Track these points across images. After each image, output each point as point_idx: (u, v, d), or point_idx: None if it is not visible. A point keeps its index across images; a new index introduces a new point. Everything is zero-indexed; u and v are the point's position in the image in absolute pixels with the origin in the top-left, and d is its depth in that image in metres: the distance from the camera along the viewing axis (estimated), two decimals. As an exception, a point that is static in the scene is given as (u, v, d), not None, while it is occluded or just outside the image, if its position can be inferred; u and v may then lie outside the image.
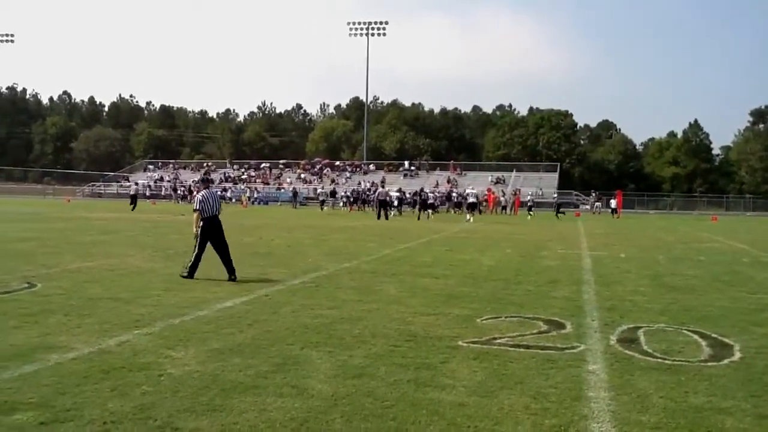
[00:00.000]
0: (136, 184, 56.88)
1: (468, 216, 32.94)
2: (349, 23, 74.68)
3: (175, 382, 4.72)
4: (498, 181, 66.24)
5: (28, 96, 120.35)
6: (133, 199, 39.13)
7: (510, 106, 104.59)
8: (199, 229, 10.17)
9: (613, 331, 6.74)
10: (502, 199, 50.20)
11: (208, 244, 10.19)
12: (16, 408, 4.11)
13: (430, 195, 44.53)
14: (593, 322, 7.21)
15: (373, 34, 73.82)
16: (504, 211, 48.09)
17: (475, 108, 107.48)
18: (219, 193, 8.26)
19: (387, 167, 74.07)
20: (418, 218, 33.60)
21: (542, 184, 67.04)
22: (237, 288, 9.07)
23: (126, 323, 6.65)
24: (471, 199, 35.34)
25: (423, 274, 11.08)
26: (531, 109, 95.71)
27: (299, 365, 5.27)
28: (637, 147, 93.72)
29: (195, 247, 10.14)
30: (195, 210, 10.41)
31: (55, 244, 14.76)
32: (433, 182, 64.79)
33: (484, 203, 50.50)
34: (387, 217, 32.43)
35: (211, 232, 10.20)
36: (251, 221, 27.67)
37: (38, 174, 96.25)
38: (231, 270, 10.01)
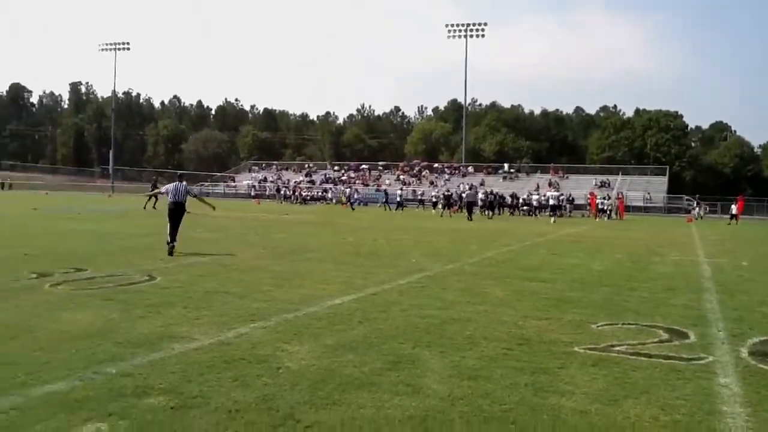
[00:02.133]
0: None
1: (552, 218, 32.68)
2: (447, 25, 74.64)
3: (294, 375, 4.81)
4: (603, 185, 64.05)
5: (141, 100, 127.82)
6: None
7: (615, 107, 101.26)
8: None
9: (744, 343, 6.31)
10: (606, 202, 48.44)
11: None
12: (148, 392, 4.31)
13: (534, 198, 43.51)
14: (719, 333, 6.78)
15: (471, 36, 73.25)
16: (608, 215, 46.42)
17: (578, 109, 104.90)
18: (186, 187, 10.73)
19: (486, 169, 73.31)
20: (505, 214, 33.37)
21: (650, 187, 64.29)
22: (345, 287, 9.18)
23: (242, 316, 6.86)
24: (552, 201, 35.68)
25: (529, 277, 10.83)
26: (637, 111, 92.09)
27: (412, 364, 5.25)
28: (755, 150, 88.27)
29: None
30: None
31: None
32: (533, 185, 63.49)
33: (588, 207, 49.08)
34: (470, 218, 31.96)
35: (174, 212, 13.04)
36: (352, 222, 28.07)
37: (151, 174, 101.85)
38: (173, 240, 12.72)
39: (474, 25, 72.88)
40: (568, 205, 43.35)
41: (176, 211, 13.05)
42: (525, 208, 44.37)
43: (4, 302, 7.20)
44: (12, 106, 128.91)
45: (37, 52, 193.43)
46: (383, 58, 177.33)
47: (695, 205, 53.83)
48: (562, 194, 43.83)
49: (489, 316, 7.38)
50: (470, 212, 32.53)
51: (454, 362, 5.35)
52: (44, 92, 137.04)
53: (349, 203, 48.87)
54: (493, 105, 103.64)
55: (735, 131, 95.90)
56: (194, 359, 5.17)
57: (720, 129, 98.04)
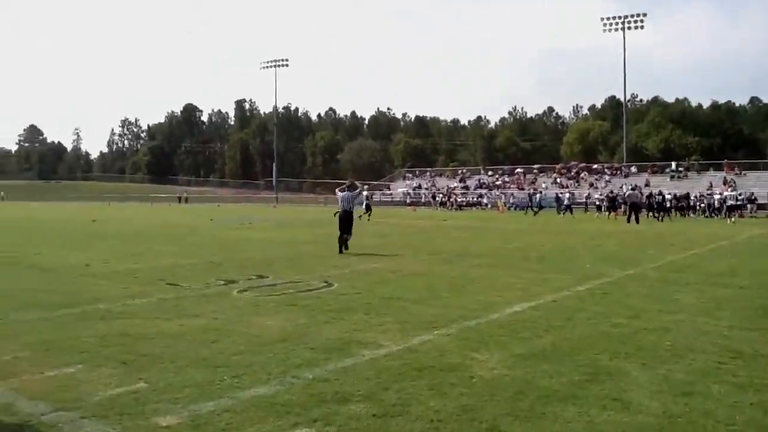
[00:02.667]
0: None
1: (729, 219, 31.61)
2: (603, 19, 71.09)
3: (489, 386, 4.63)
4: (786, 182, 58.16)
5: (300, 114, 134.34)
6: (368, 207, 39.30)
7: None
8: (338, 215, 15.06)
9: None
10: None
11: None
12: (347, 399, 4.32)
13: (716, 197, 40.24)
14: None
15: (629, 28, 69.46)
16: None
17: (754, 99, 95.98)
18: (352, 195, 15.62)
19: (650, 169, 69.11)
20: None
21: None
22: (522, 293, 8.88)
23: (423, 323, 6.80)
24: (730, 201, 33.08)
25: (723, 284, 9.89)
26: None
27: (614, 377, 4.88)
28: None
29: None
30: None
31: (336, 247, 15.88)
32: (705, 184, 58.87)
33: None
34: (638, 221, 29.97)
35: (344, 219, 14.79)
36: (511, 226, 27.52)
37: (310, 184, 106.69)
38: (344, 245, 14.50)
39: (632, 16, 69.12)
40: (749, 205, 39.68)
41: (345, 218, 14.74)
42: (702, 207, 41.18)
43: (202, 307, 7.67)
44: (185, 125, 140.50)
45: (206, 74, 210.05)
46: (534, 58, 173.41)
47: None
48: (741, 192, 40.17)
49: (687, 325, 6.77)
50: (635, 214, 30.55)
51: (661, 375, 4.91)
52: (213, 110, 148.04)
53: (530, 207, 47.84)
54: (656, 100, 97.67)
55: None
56: (385, 366, 5.14)
57: None
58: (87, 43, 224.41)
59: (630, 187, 39.32)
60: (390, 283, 9.81)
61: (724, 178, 61.71)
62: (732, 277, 10.76)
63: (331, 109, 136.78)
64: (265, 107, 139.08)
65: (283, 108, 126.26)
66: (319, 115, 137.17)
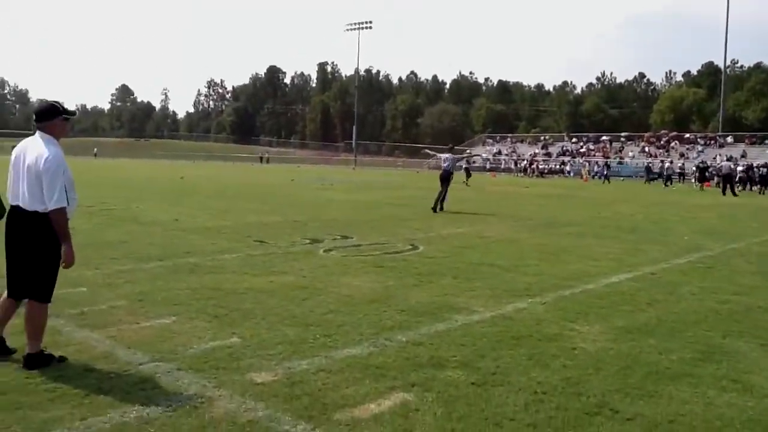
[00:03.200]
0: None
1: None
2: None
3: (593, 359, 4.37)
4: None
5: (381, 77, 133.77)
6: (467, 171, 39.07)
7: None
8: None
9: None
10: None
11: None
12: (443, 364, 4.16)
13: None
14: None
15: (736, -11, 65.04)
16: None
17: None
18: (453, 158, 16.99)
19: (748, 139, 65.33)
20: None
21: None
22: (617, 264, 8.47)
23: (515, 290, 6.55)
24: None
25: (840, 261, 9.16)
26: None
27: (730, 356, 4.52)
28: None
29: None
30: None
31: (421, 211, 15.73)
32: (808, 156, 55.20)
33: None
34: (734, 193, 28.44)
35: (443, 177, 15.79)
36: (598, 196, 26.60)
37: (389, 147, 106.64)
38: (439, 205, 15.49)
39: (738, -24, 64.62)
40: None
41: (444, 177, 15.87)
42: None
43: (290, 265, 7.67)
44: (269, 87, 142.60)
45: (290, 37, 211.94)
46: (625, 19, 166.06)
47: None
48: None
49: (806, 305, 6.26)
50: (729, 186, 28.98)
51: (784, 357, 4.52)
52: (296, 73, 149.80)
53: (599, 176, 46.43)
54: (758, 66, 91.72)
55: None
56: (480, 332, 4.95)
57: None
58: (176, 6, 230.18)
59: (725, 158, 37.22)
60: (477, 248, 9.56)
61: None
62: None
63: (412, 72, 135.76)
64: (346, 70, 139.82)
65: (365, 71, 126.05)
66: (400, 79, 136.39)
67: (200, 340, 4.58)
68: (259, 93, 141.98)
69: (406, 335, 4.82)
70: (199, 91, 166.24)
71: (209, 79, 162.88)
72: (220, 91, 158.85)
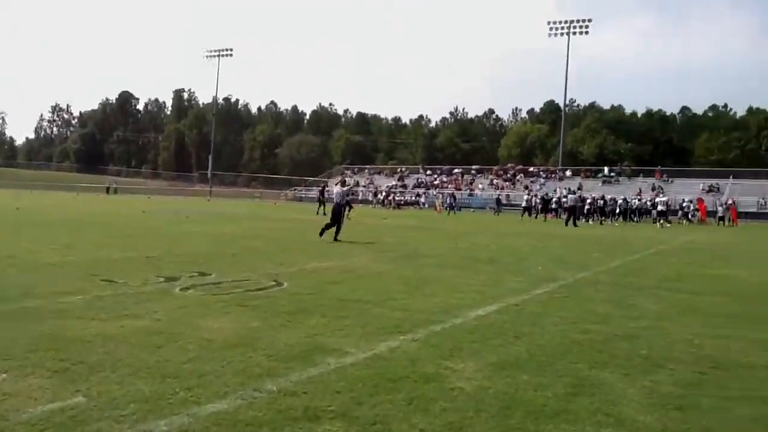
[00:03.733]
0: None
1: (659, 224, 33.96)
2: (550, 22, 72.29)
3: (472, 400, 4.26)
4: (711, 190, 60.54)
5: (240, 106, 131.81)
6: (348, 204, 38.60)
7: (725, 106, 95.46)
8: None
9: None
10: (719, 208, 45.50)
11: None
12: (320, 416, 3.86)
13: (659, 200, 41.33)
14: None
15: (575, 33, 70.81)
16: (720, 221, 43.50)
17: (684, 109, 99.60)
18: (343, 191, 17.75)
19: (584, 173, 70.81)
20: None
21: (766, 192, 60.24)
22: (480, 296, 8.58)
23: (386, 327, 6.39)
24: (660, 207, 35.19)
25: (675, 289, 9.88)
26: (750, 109, 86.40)
27: (599, 389, 4.59)
28: None
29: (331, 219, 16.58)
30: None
31: (283, 244, 15.39)
32: (635, 190, 60.67)
33: (696, 213, 46.45)
34: (575, 224, 30.73)
35: (336, 211, 16.54)
36: (456, 227, 27.44)
37: (246, 178, 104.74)
38: (336, 235, 16.29)
39: (578, 21, 70.47)
40: (680, 211, 41.09)
41: (337, 211, 16.64)
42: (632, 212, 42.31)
43: (143, 307, 7.02)
44: (120, 113, 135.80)
45: (145, 61, 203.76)
46: (477, 60, 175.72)
47: None
48: (679, 200, 41.65)
49: (656, 332, 6.60)
50: (574, 217, 31.22)
51: (647, 387, 4.65)
52: (150, 99, 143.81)
53: (447, 208, 48.07)
54: (593, 105, 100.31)
55: None
56: (355, 376, 4.70)
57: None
58: (17, 23, 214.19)
59: (572, 191, 39.96)
60: (343, 283, 9.35)
61: (653, 184, 63.89)
62: (680, 282, 10.80)
63: (272, 102, 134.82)
64: (204, 98, 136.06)
65: (224, 99, 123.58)
66: (259, 108, 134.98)
67: (37, 401, 3.96)
68: (109, 119, 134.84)
69: (276, 383, 4.47)
70: (41, 116, 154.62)
71: (54, 104, 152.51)
72: (66, 116, 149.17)
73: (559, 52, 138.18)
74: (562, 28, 71.08)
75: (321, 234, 16.42)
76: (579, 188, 58.55)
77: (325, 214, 33.37)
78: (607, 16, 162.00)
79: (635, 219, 41.54)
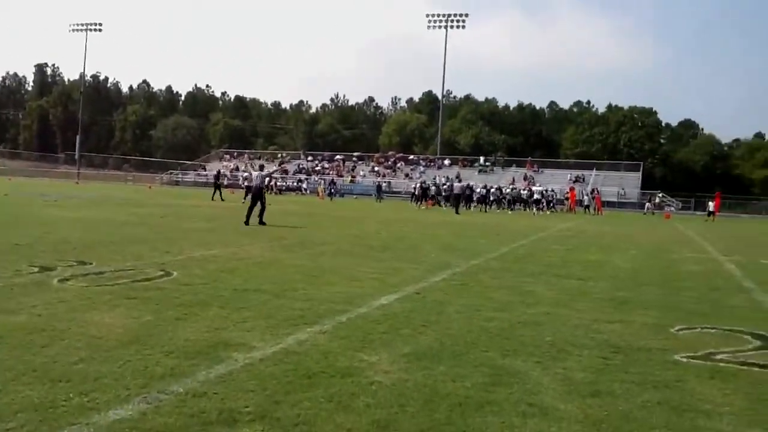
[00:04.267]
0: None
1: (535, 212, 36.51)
2: (428, 15, 73.74)
3: (394, 394, 4.11)
4: (577, 180, 64.31)
5: (109, 84, 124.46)
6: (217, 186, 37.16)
7: (588, 102, 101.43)
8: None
9: None
10: (585, 198, 48.40)
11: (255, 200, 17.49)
12: (237, 419, 3.57)
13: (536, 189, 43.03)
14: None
15: (452, 27, 72.63)
16: (586, 210, 46.28)
17: (552, 104, 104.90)
18: (262, 175, 18.70)
19: (461, 162, 73.02)
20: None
21: (624, 183, 64.84)
22: (380, 284, 8.48)
23: (290, 319, 6.12)
24: (537, 195, 37.25)
25: (563, 275, 10.26)
26: (610, 106, 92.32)
27: (516, 378, 4.59)
28: (725, 147, 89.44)
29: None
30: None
31: (166, 231, 14.61)
32: (509, 179, 63.33)
33: (566, 201, 49.11)
34: (457, 212, 31.80)
35: (255, 194, 17.46)
36: (342, 213, 27.32)
37: (118, 161, 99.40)
38: (261, 220, 17.19)
39: (455, 15, 72.27)
40: (546, 201, 43.20)
41: (257, 194, 17.39)
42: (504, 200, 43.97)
43: (18, 301, 6.32)
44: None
45: (1, 32, 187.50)
46: (358, 47, 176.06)
47: (648, 199, 55.64)
48: (547, 188, 43.72)
49: (555, 318, 6.77)
50: (458, 205, 32.16)
51: (561, 375, 4.71)
52: (7, 73, 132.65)
53: (329, 194, 47.84)
54: (468, 97, 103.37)
55: (703, 129, 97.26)
56: (267, 373, 4.42)
57: (689, 127, 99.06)
58: None
59: (456, 180, 40.95)
60: (238, 272, 8.94)
61: (525, 174, 67.02)
62: (566, 268, 11.24)
63: (144, 81, 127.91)
64: (70, 74, 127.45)
65: (92, 77, 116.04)
66: (131, 87, 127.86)
67: None
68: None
69: (182, 384, 4.11)
70: None
71: None
72: None
73: (437, 43, 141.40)
74: (441, 21, 72.73)
75: (246, 222, 16.82)
76: (457, 177, 60.36)
77: (223, 199, 32.55)
78: (482, 11, 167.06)
79: (514, 207, 43.24)
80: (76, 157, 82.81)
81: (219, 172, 42.51)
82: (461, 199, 33.10)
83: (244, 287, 7.74)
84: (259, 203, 17.26)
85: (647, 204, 53.99)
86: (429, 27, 73.49)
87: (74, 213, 19.36)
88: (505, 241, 16.13)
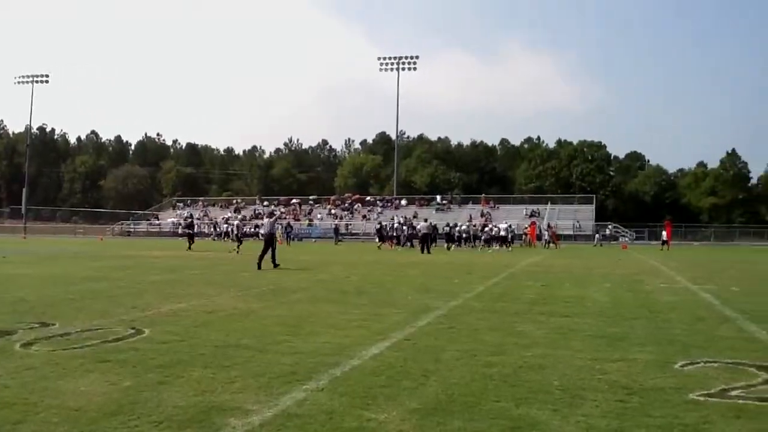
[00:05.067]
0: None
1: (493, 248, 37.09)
2: (380, 58, 74.64)
3: (416, 457, 3.77)
4: (533, 214, 65.15)
5: (56, 136, 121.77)
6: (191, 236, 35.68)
7: (538, 138, 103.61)
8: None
9: None
10: (544, 233, 48.90)
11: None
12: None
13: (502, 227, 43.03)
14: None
15: (403, 69, 73.71)
16: (546, 244, 46.67)
17: (503, 141, 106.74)
18: (272, 222, 20.94)
19: (418, 201, 73.33)
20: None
21: (578, 216, 65.92)
22: (366, 331, 8.13)
23: (282, 375, 5.72)
24: (503, 233, 37.63)
25: (547, 312, 10.06)
26: (559, 141, 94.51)
27: (538, 428, 4.30)
28: (672, 177, 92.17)
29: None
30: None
31: (129, 285, 13.95)
32: (465, 216, 63.68)
33: (525, 236, 49.52)
34: (429, 251, 31.86)
35: (267, 240, 19.51)
36: (304, 257, 26.83)
37: (66, 213, 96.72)
38: (274, 263, 18.85)
39: (406, 58, 73.37)
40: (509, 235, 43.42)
41: (268, 240, 19.49)
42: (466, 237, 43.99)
43: (-22, 371, 5.78)
44: None
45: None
46: (309, 91, 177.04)
47: (596, 231, 56.86)
48: (510, 225, 44.04)
49: (555, 359, 6.51)
50: (427, 245, 32.40)
51: (582, 423, 4.43)
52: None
53: (286, 238, 47.16)
54: (421, 137, 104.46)
55: (649, 160, 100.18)
56: (272, 441, 4.04)
57: (635, 158, 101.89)
58: None
59: (423, 220, 40.93)
60: (213, 327, 8.47)
61: (482, 210, 67.60)
62: (548, 305, 11.05)
63: (93, 132, 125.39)
64: (15, 127, 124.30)
65: (38, 128, 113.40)
66: (79, 138, 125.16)
67: None
68: None
69: (180, 460, 3.70)
70: None
71: None
72: None
73: (388, 85, 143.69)
74: (392, 63, 73.77)
75: (259, 266, 18.35)
76: (414, 216, 60.45)
77: (191, 249, 31.24)
78: (431, 53, 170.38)
79: (478, 244, 43.29)
80: (23, 210, 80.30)
81: (192, 220, 40.50)
82: (429, 238, 33.19)
83: (224, 343, 7.30)
84: (270, 248, 19.03)
85: (596, 236, 55.06)
86: (381, 69, 74.46)
87: (28, 269, 18.46)
88: (478, 280, 15.94)
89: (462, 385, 5.46)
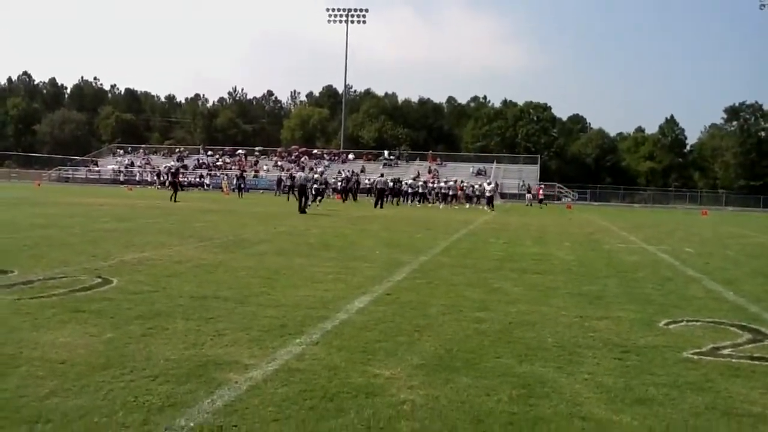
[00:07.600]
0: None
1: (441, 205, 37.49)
2: (329, 9, 73.11)
3: (434, 414, 3.66)
4: (479, 173, 65.71)
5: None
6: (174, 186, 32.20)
7: (485, 98, 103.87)
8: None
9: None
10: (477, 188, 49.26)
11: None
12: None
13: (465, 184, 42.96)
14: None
15: (353, 21, 72.42)
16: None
17: (450, 99, 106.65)
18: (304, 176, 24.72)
19: (366, 156, 72.94)
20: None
21: (523, 176, 66.81)
22: (344, 285, 7.97)
23: (271, 329, 5.52)
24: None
25: (519, 269, 10.11)
26: (505, 102, 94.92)
27: (548, 387, 4.24)
28: (614, 140, 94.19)
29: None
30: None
31: (82, 232, 13.37)
32: (413, 172, 63.76)
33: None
34: (382, 206, 31.86)
35: (300, 190, 24.46)
36: (258, 209, 26.36)
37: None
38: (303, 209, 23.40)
39: (356, 10, 72.00)
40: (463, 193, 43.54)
41: (300, 190, 24.38)
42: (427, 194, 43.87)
43: (-57, 321, 5.37)
44: None
45: None
46: (255, 40, 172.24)
47: (527, 191, 53.23)
48: (495, 183, 44.17)
49: (542, 316, 6.51)
50: (381, 200, 32.45)
51: (591, 381, 4.41)
52: None
53: (236, 189, 46.14)
54: (368, 92, 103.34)
55: (590, 124, 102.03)
56: (280, 396, 3.85)
57: (577, 121, 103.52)
58: None
59: (379, 175, 40.73)
60: (185, 277, 8.16)
61: (429, 167, 67.77)
62: (517, 262, 11.12)
63: (25, 73, 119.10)
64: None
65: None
66: (9, 79, 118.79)
67: None
68: None
69: (188, 417, 3.48)
70: None
71: None
72: None
73: (335, 37, 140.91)
74: (341, 15, 72.34)
75: (303, 211, 23.18)
76: (362, 171, 60.20)
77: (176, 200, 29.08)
78: (380, 7, 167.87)
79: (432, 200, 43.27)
80: (-50, 154, 76.30)
81: (178, 169, 36.50)
82: (384, 193, 33.30)
83: (200, 294, 7.02)
84: (302, 196, 23.83)
85: (527, 195, 51.90)
86: (330, 21, 73.00)
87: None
88: (441, 236, 15.93)
89: (458, 341, 5.38)
